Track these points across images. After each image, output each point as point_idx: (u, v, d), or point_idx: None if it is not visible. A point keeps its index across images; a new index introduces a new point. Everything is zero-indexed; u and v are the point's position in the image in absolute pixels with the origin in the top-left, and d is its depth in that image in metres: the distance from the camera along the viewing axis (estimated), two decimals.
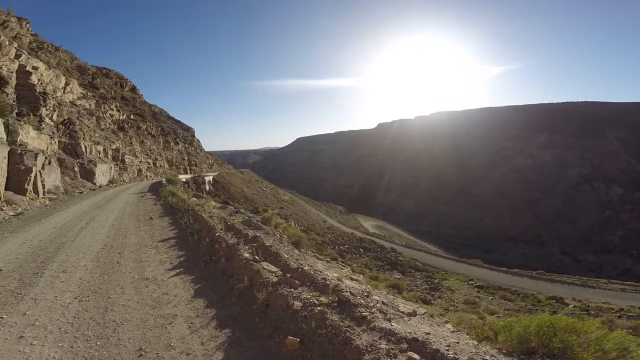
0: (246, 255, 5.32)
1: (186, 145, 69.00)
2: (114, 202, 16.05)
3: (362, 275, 10.62)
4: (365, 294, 3.93)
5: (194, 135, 78.23)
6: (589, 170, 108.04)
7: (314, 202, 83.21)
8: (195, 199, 12.86)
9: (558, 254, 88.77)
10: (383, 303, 3.79)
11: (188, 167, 61.47)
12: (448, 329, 3.56)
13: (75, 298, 4.79)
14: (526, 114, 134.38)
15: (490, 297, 23.30)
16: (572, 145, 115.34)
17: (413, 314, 3.75)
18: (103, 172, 27.28)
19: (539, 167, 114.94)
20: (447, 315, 6.72)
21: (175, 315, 4.28)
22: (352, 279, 5.60)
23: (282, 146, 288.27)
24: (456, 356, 2.71)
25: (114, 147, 35.09)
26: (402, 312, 3.66)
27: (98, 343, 3.63)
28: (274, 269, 4.76)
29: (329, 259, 9.68)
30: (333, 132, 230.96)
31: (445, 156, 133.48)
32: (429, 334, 3.15)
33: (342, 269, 8.07)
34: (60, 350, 3.47)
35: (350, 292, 3.80)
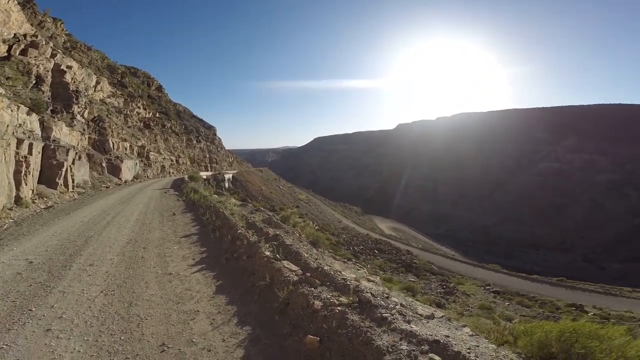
0: (267, 253, 5.36)
1: (208, 144, 70.49)
2: (138, 197, 16.48)
3: (378, 277, 10.56)
4: (385, 295, 3.91)
5: (215, 134, 79.85)
6: (620, 177, 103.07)
7: (329, 202, 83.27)
8: (216, 196, 13.13)
9: (581, 262, 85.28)
10: (402, 305, 3.76)
11: (209, 165, 62.73)
12: (466, 332, 3.51)
13: (102, 292, 4.87)
14: (554, 116, 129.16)
15: (506, 303, 22.79)
16: (603, 150, 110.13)
17: (431, 316, 3.71)
18: (129, 168, 28.24)
19: (566, 172, 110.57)
20: (462, 319, 6.62)
21: (198, 311, 4.34)
22: (369, 280, 5.57)
23: (300, 145, 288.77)
24: (477, 359, 2.71)
25: (139, 144, 36.28)
26: (421, 315, 3.64)
27: (122, 337, 3.68)
28: (294, 267, 4.79)
29: (345, 260, 9.68)
30: (351, 132, 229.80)
31: (467, 159, 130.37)
32: (449, 336, 3.13)
33: (358, 269, 8.06)
34: (85, 344, 3.53)
35: (371, 293, 3.79)
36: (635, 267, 78.65)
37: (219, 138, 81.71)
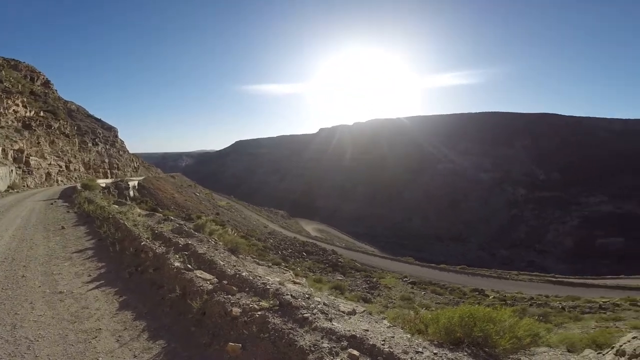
0: (177, 264, 5.03)
1: (107, 147, 62.50)
2: (15, 209, 13.97)
3: (304, 279, 10.58)
4: (307, 296, 3.97)
5: (116, 136, 71.17)
6: (500, 175, 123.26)
7: (254, 207, 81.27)
8: (116, 206, 11.65)
9: (476, 250, 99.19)
10: (324, 304, 3.86)
11: (109, 171, 55.75)
12: (385, 324, 3.72)
13: None
14: (449, 123, 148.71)
15: (422, 292, 24.77)
16: (487, 152, 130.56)
17: (353, 312, 3.87)
18: (1, 177, 23.42)
19: (459, 172, 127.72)
20: (386, 312, 7.05)
21: (100, 329, 4.02)
22: (294, 283, 5.64)
23: (218, 149, 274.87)
24: (391, 349, 2.89)
25: (16, 147, 30.37)
26: (343, 312, 3.77)
27: None
28: (208, 276, 4.58)
29: (270, 264, 9.48)
30: (275, 135, 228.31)
31: (380, 161, 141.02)
32: (368, 330, 3.29)
33: (284, 273, 8.00)
34: None
35: (291, 295, 3.81)
36: (516, 252, 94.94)
37: (121, 140, 73.08)
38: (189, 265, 4.96)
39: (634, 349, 3.42)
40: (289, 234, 55.37)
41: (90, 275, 5.97)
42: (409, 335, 3.38)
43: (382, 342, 3.02)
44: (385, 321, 3.85)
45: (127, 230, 7.41)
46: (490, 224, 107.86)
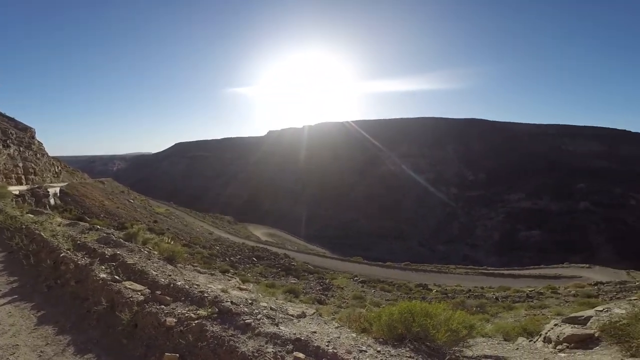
0: (103, 275, 4.69)
1: (21, 149, 54.83)
2: None
3: (252, 284, 10.28)
4: (250, 302, 3.89)
5: (33, 137, 62.60)
6: (435, 176, 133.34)
7: (197, 214, 77.22)
8: (32, 215, 10.29)
9: (417, 247, 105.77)
10: (271, 308, 3.82)
11: (24, 176, 48.92)
12: (334, 325, 3.77)
13: None
14: (391, 127, 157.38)
15: (373, 290, 25.37)
16: (424, 154, 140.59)
17: (302, 315, 3.87)
18: None
19: (399, 174, 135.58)
20: (340, 312, 7.07)
21: (17, 345, 3.82)
22: (241, 289, 5.54)
23: (155, 152, 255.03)
24: (335, 350, 2.95)
25: None
26: (292, 315, 3.77)
27: None
28: (139, 287, 4.33)
29: (214, 272, 9.08)
30: (220, 137, 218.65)
31: (328, 163, 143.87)
32: (315, 332, 3.30)
33: (229, 280, 7.74)
34: None
35: (231, 301, 3.74)
36: (452, 247, 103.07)
37: (39, 142, 64.46)
38: (117, 277, 4.64)
39: (557, 336, 3.86)
40: (237, 239, 53.58)
41: (0, 291, 5.50)
42: (354, 335, 3.41)
43: (327, 343, 3.05)
44: (334, 322, 3.89)
45: (43, 241, 6.71)
46: (428, 222, 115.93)
